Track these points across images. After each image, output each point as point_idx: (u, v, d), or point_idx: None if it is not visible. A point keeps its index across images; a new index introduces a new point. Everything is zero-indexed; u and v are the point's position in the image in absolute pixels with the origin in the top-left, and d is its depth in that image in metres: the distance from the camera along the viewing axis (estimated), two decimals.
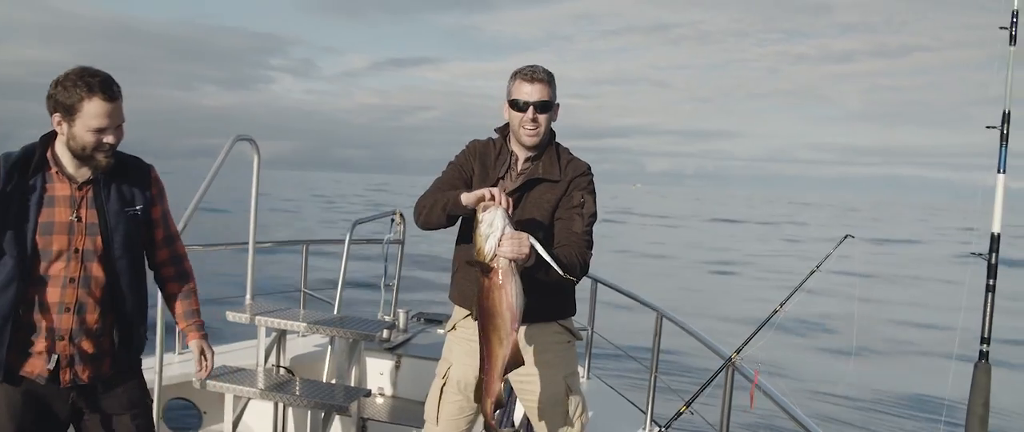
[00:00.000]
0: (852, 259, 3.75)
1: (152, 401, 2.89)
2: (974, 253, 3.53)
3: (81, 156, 2.49)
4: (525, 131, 2.87)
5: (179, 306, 2.86)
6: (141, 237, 2.69)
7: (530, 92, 2.84)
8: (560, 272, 2.52)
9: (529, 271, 2.54)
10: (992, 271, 3.53)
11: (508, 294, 2.46)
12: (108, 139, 2.48)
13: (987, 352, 3.46)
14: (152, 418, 2.82)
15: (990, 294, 3.52)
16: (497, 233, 2.43)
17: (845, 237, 3.79)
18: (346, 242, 5.01)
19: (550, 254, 2.51)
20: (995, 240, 3.55)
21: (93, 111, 2.42)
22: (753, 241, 42.52)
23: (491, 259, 2.45)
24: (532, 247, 2.48)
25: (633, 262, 27.22)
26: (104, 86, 2.43)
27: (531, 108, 2.84)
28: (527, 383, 3.00)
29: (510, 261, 2.45)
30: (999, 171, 3.60)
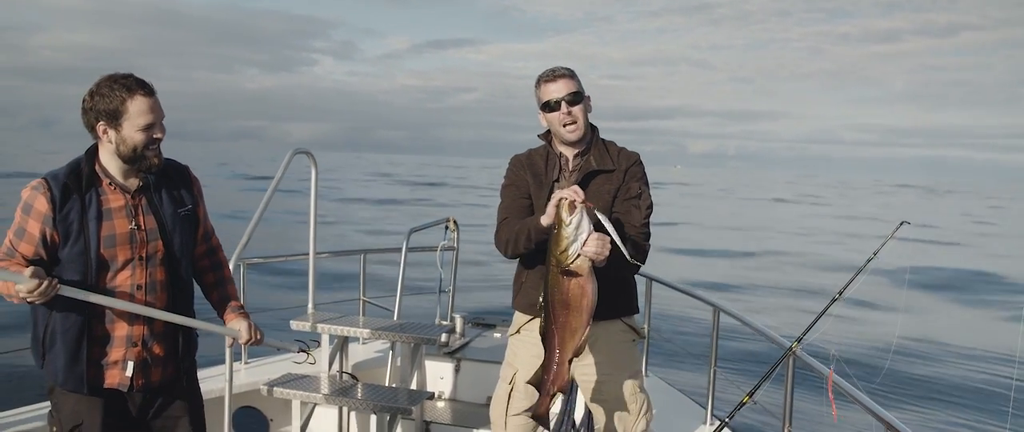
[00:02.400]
0: (907, 244, 3.68)
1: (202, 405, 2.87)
2: None
3: (132, 158, 2.52)
4: (566, 128, 2.94)
5: (216, 294, 2.88)
6: (194, 236, 2.74)
7: (556, 89, 2.92)
8: (634, 262, 2.59)
9: (597, 268, 2.58)
10: None
11: (590, 293, 2.52)
12: (157, 134, 2.53)
13: None
14: (204, 421, 2.85)
15: None
16: (583, 236, 2.47)
17: (901, 224, 3.72)
18: (403, 250, 5.10)
19: (624, 246, 2.55)
20: None
21: (138, 109, 2.47)
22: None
23: (574, 260, 2.49)
24: (612, 243, 2.52)
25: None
26: (140, 83, 2.48)
27: (562, 103, 2.91)
28: (594, 382, 3.02)
29: (591, 261, 2.51)
30: None
